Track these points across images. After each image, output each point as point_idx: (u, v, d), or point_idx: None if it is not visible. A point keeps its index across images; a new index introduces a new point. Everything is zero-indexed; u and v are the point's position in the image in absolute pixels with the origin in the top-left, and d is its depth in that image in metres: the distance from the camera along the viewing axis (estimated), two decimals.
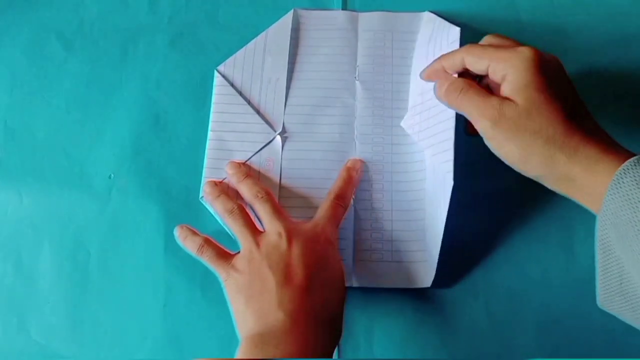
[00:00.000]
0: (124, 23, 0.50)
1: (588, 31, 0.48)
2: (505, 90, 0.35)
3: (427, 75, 0.41)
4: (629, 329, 0.40)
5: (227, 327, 0.40)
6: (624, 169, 0.31)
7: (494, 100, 0.35)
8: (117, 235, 0.45)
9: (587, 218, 0.43)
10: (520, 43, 0.37)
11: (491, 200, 0.44)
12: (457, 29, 0.43)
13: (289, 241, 0.39)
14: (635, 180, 0.30)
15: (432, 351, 0.41)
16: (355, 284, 0.42)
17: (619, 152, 0.33)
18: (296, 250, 0.39)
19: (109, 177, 0.46)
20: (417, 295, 0.42)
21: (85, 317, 0.43)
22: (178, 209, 0.45)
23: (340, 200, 0.42)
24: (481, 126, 0.36)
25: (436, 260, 0.41)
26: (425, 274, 0.42)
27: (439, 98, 0.39)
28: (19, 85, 0.49)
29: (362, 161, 0.45)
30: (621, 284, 0.31)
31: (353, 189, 0.44)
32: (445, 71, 0.39)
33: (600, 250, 0.32)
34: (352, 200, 0.44)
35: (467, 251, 0.43)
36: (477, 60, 0.36)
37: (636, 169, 0.30)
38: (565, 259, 0.43)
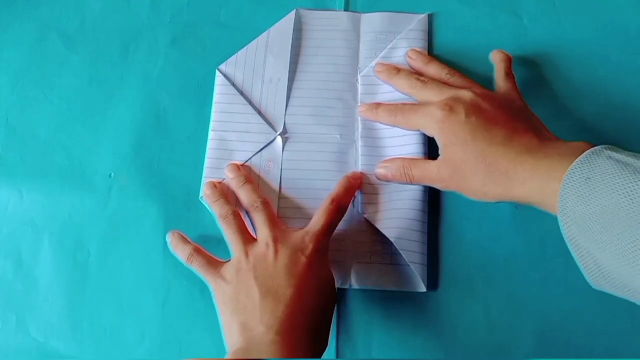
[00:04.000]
0: (126, 22, 0.50)
1: (589, 33, 0.48)
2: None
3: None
4: (629, 328, 0.41)
5: None
6: (571, 169, 0.33)
7: (432, 166, 0.40)
8: (117, 234, 0.45)
9: None
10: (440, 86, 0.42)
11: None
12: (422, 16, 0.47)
13: (276, 251, 0.39)
14: (583, 176, 0.32)
15: (431, 352, 0.41)
16: (354, 286, 0.42)
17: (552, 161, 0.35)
18: (282, 260, 0.39)
19: (109, 175, 0.46)
20: (416, 296, 0.42)
21: (84, 315, 0.43)
22: (178, 209, 0.45)
23: (337, 206, 0.42)
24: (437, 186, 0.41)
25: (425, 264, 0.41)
26: (421, 278, 0.42)
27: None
28: (20, 83, 0.49)
29: (363, 174, 0.44)
30: (600, 271, 0.32)
31: (352, 197, 0.43)
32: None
33: (570, 245, 0.33)
34: (351, 204, 0.44)
35: (467, 252, 0.43)
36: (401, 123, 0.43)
37: (582, 167, 0.32)
38: (564, 259, 0.42)
